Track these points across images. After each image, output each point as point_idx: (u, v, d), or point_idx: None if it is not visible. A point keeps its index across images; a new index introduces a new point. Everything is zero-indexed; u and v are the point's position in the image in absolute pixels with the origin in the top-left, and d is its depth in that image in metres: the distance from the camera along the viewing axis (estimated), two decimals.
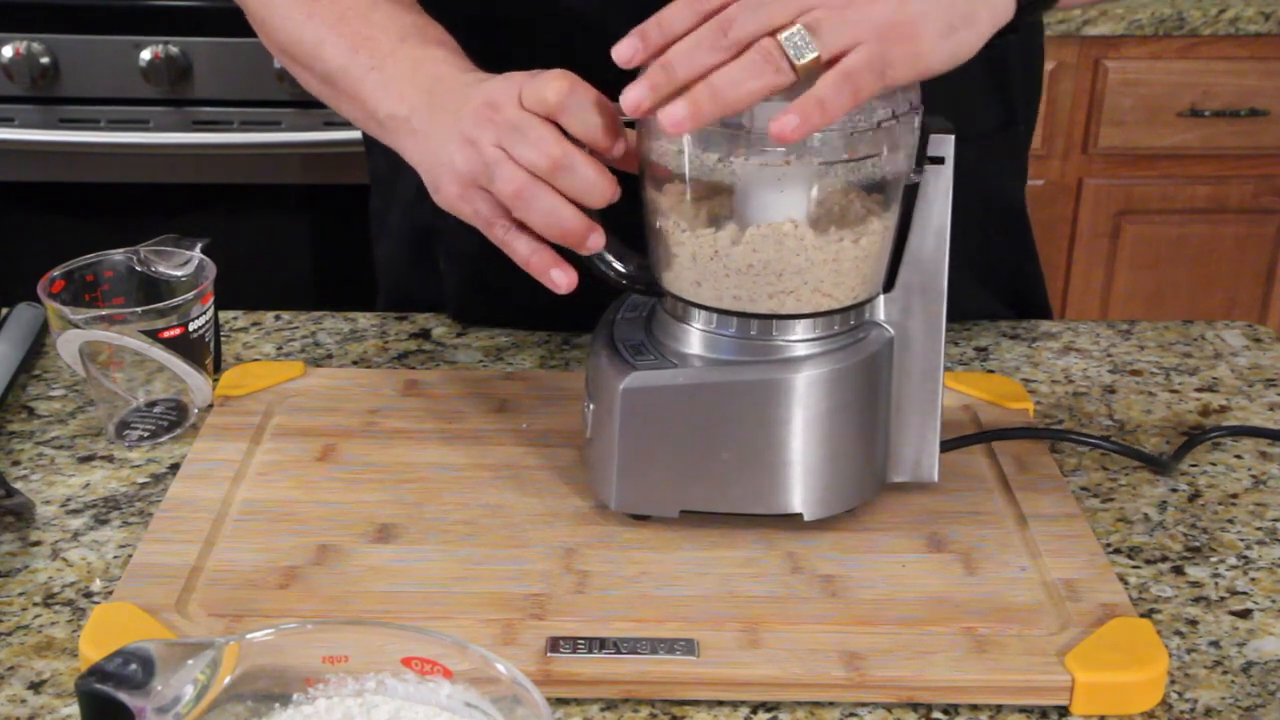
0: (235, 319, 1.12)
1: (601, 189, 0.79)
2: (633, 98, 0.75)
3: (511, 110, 0.80)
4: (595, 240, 0.81)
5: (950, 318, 0.84)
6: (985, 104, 1.08)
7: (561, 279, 0.82)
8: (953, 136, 0.81)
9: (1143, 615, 0.79)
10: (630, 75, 0.78)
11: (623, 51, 0.75)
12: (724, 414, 0.80)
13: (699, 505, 0.83)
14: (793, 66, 0.73)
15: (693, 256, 0.79)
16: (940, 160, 0.81)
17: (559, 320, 1.09)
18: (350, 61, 0.90)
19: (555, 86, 0.79)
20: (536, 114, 0.79)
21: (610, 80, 0.78)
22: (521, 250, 0.82)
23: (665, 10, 0.76)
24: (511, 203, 0.80)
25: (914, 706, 0.73)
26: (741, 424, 0.80)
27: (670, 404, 0.81)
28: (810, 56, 0.73)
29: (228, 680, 0.60)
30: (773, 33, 0.73)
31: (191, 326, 0.93)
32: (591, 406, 0.84)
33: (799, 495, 0.82)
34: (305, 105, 1.85)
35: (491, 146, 0.80)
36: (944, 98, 0.81)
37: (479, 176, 0.81)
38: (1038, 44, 1.16)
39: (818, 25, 0.73)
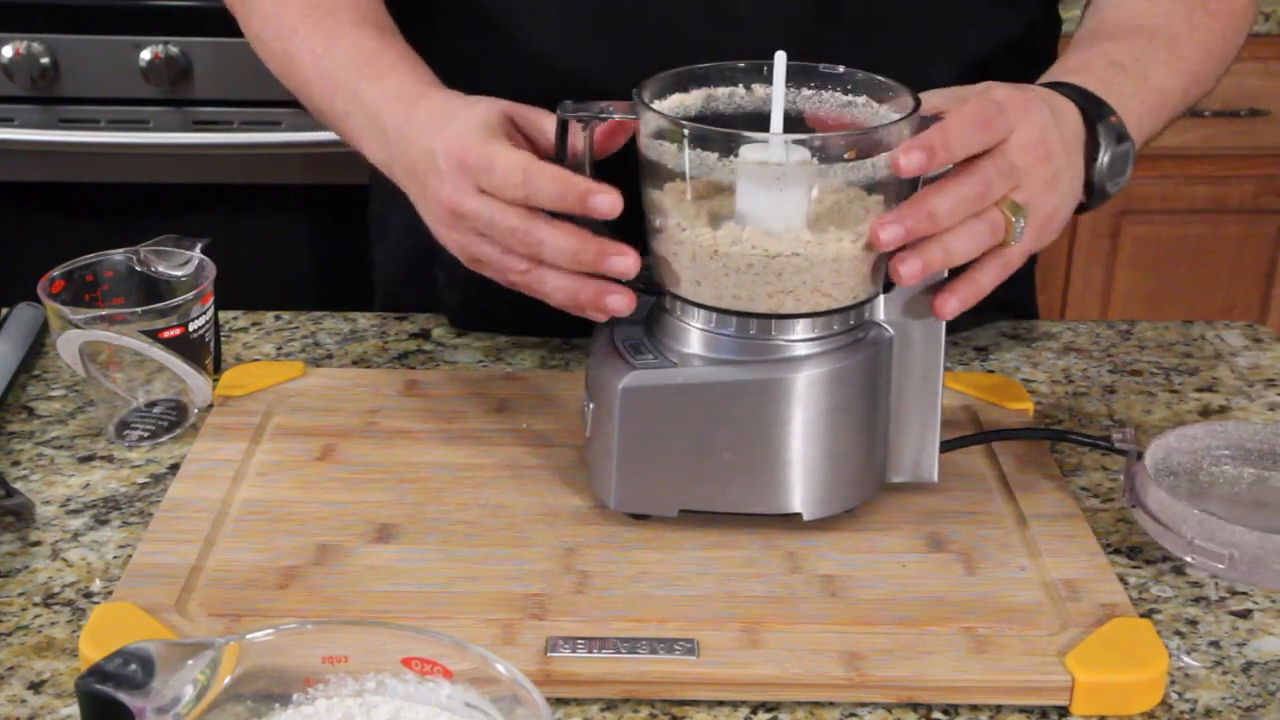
0: (235, 319, 1.12)
1: (578, 253, 0.79)
2: (890, 236, 0.77)
3: (470, 203, 0.80)
4: (616, 303, 0.80)
5: None
6: None
7: (597, 317, 0.82)
8: None
9: (1143, 615, 0.79)
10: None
11: (912, 163, 0.76)
12: (724, 414, 0.80)
13: (699, 505, 0.83)
14: (1006, 243, 0.79)
15: (692, 256, 0.79)
16: None
17: (558, 328, 1.09)
18: (330, 106, 0.94)
19: (511, 183, 0.78)
20: (495, 197, 0.79)
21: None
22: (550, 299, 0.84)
23: (955, 129, 0.76)
24: (527, 290, 0.82)
25: (914, 706, 0.73)
26: (741, 424, 0.80)
27: (670, 403, 0.81)
28: (1019, 239, 0.79)
29: (228, 680, 0.60)
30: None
31: (191, 326, 0.93)
32: (591, 406, 0.84)
33: (799, 495, 0.82)
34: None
35: (474, 237, 0.82)
36: None
37: (478, 256, 0.83)
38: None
39: (1027, 204, 0.79)
